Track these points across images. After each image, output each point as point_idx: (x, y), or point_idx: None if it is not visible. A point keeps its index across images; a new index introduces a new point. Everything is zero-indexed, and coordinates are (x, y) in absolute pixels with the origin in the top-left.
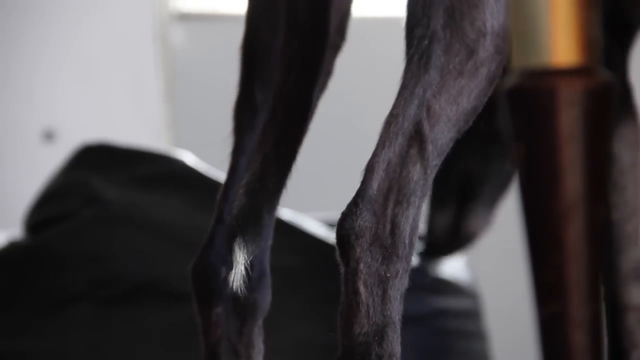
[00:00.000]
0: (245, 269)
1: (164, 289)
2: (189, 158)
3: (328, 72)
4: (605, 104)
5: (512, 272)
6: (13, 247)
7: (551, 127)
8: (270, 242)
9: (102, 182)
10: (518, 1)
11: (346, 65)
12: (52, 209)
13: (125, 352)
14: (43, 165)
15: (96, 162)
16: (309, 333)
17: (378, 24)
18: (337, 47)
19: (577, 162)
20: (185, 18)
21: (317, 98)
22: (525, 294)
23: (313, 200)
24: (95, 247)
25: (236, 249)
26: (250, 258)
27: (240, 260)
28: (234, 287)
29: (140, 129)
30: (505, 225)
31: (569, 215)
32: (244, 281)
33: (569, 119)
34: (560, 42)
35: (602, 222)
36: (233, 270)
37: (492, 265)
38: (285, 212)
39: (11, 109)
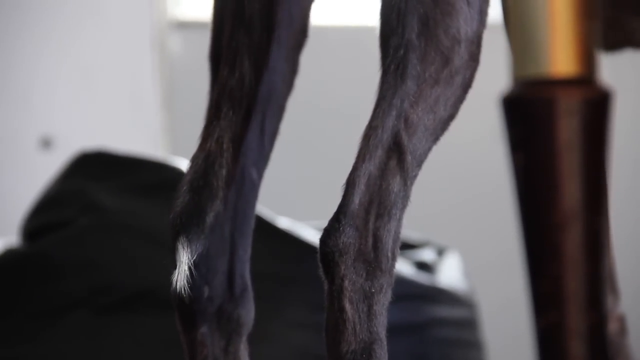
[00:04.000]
0: (190, 268)
1: (161, 296)
2: (186, 165)
3: (294, 71)
4: (604, 113)
5: (510, 282)
6: (10, 254)
7: (550, 137)
8: (248, 254)
9: (99, 189)
10: (517, 12)
11: (342, 75)
12: (49, 216)
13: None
14: (40, 173)
15: (93, 170)
16: (304, 341)
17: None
18: (300, 46)
19: (575, 172)
20: (183, 26)
21: (285, 97)
22: (523, 304)
23: (309, 209)
24: (93, 255)
25: (179, 248)
26: (195, 258)
27: (184, 259)
28: (178, 288)
29: (137, 136)
30: (502, 235)
31: (568, 224)
32: (187, 282)
33: (568, 129)
34: (559, 53)
35: (600, 232)
36: (176, 270)
37: (489, 274)
38: (282, 220)
39: (9, 116)
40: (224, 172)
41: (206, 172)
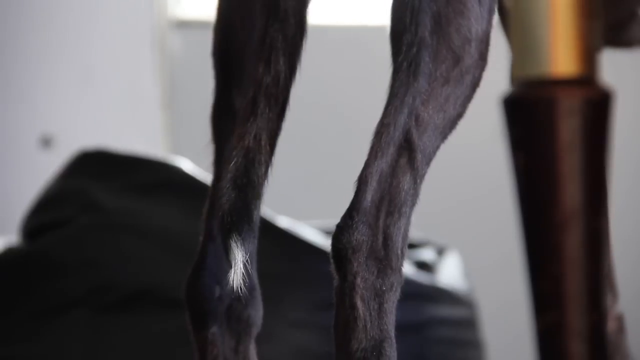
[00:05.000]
0: (244, 266)
1: (160, 296)
2: (187, 165)
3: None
4: (605, 113)
5: (510, 282)
6: (10, 253)
7: (551, 137)
8: (255, 253)
9: (99, 188)
10: (518, 11)
11: (342, 74)
12: (49, 215)
13: (121, 359)
14: (41, 172)
15: (94, 169)
16: (304, 341)
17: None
18: (303, 40)
19: (576, 172)
20: (184, 25)
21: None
22: (523, 304)
23: (309, 208)
24: (92, 254)
25: (233, 246)
26: (247, 256)
27: (239, 258)
28: (234, 287)
29: (138, 135)
30: (503, 234)
31: (568, 225)
32: (243, 280)
33: (569, 129)
34: (560, 53)
35: (601, 232)
36: (232, 269)
37: (489, 274)
38: (283, 220)
39: (9, 115)
40: (262, 169)
41: (247, 170)
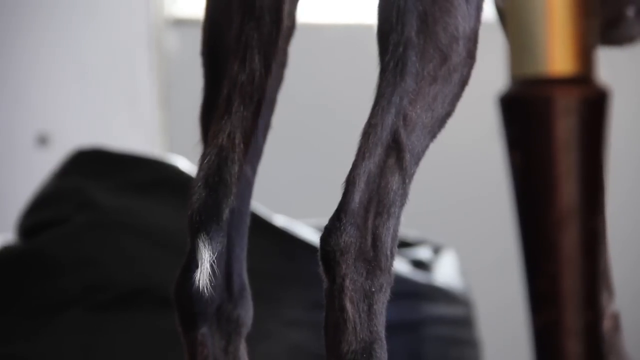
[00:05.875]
0: (211, 266)
1: (157, 294)
2: (183, 163)
3: (283, 64)
4: (601, 112)
5: (506, 280)
6: (6, 252)
7: (547, 136)
8: (245, 253)
9: (95, 187)
10: (515, 10)
11: (339, 73)
12: (45, 213)
13: (117, 358)
14: (37, 170)
15: (90, 167)
16: (300, 340)
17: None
18: (289, 35)
19: (572, 171)
20: (180, 23)
21: (275, 90)
22: (519, 302)
23: (306, 207)
24: (89, 253)
25: (200, 246)
26: (215, 255)
27: (206, 257)
28: (200, 287)
29: (134, 134)
30: (499, 233)
31: (565, 223)
32: (209, 280)
33: (565, 128)
34: (557, 51)
35: (598, 231)
36: (199, 269)
37: (486, 272)
38: (280, 218)
39: (5, 113)
40: (236, 167)
41: (220, 168)
